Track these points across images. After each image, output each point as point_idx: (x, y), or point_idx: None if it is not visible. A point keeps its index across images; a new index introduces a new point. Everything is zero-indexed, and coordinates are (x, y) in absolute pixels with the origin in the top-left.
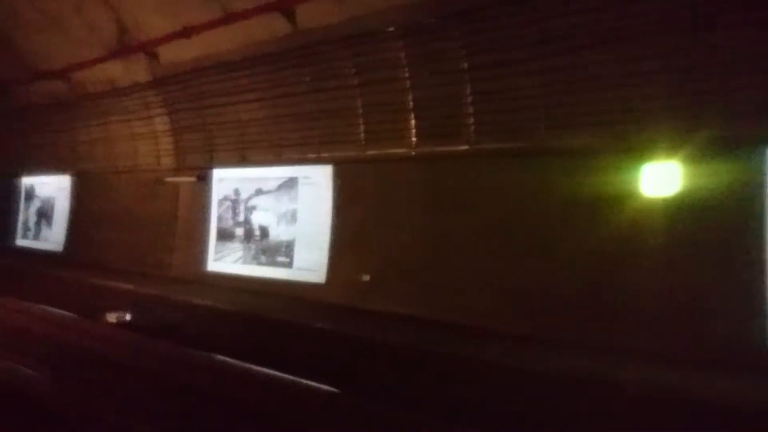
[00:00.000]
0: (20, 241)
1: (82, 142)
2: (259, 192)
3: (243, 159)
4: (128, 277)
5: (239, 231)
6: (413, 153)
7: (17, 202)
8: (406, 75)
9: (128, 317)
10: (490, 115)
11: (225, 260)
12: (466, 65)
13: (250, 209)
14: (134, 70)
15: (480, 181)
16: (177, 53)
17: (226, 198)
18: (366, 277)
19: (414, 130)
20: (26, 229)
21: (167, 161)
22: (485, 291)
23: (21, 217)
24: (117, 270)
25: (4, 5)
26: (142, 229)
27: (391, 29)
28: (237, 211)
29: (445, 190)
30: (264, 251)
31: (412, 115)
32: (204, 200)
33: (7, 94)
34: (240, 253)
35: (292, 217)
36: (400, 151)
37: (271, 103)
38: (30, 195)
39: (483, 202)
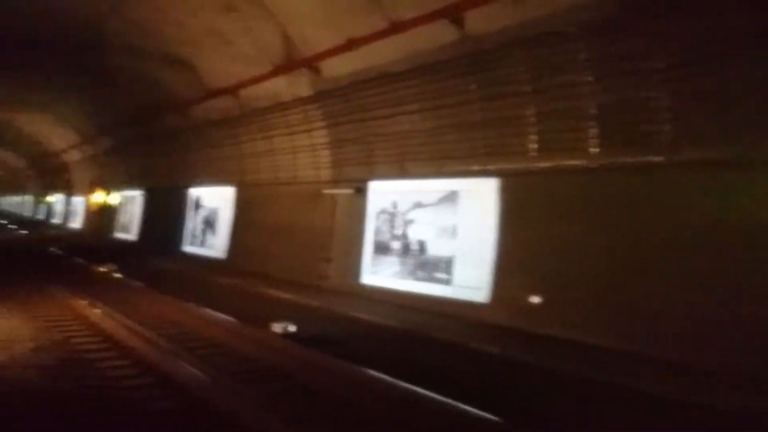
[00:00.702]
0: (188, 248)
1: (246, 155)
2: (417, 205)
3: (402, 171)
4: (289, 287)
5: (396, 245)
6: (593, 164)
7: (186, 212)
8: (588, 79)
9: (293, 329)
10: (694, 118)
11: (381, 274)
12: (662, 65)
13: (407, 223)
14: (297, 85)
15: (676, 195)
16: (338, 67)
17: (383, 211)
18: (536, 299)
19: (595, 140)
20: (193, 236)
21: (325, 173)
22: (683, 321)
23: (189, 225)
24: (276, 279)
25: (185, 31)
26: (300, 239)
27: (572, 29)
28: (394, 224)
29: (630, 205)
30: (422, 266)
31: (594, 123)
32: (361, 213)
33: (185, 112)
34: (396, 268)
35: (452, 232)
36: (577, 162)
37: (433, 114)
38: (197, 205)
39: (678, 220)
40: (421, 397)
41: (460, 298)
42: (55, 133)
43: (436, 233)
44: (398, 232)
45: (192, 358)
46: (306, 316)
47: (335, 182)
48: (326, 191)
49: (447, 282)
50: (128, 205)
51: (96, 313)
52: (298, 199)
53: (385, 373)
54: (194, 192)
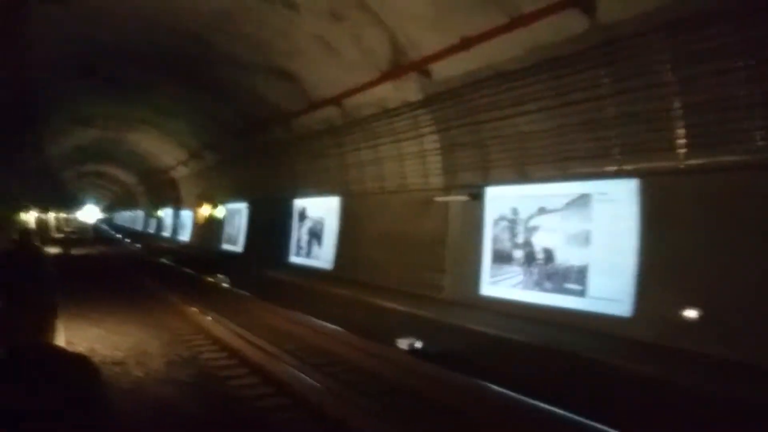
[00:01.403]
0: (293, 258)
1: (351, 164)
2: (542, 211)
3: (522, 175)
4: (400, 297)
5: (518, 253)
6: (755, 160)
7: (291, 223)
8: (747, 64)
9: (419, 344)
10: None
11: (502, 284)
12: None
13: (530, 230)
14: (405, 90)
15: None
16: (450, 68)
17: (502, 217)
18: (692, 313)
19: (759, 132)
20: (299, 247)
21: (436, 180)
22: None
23: (294, 236)
24: (387, 289)
25: (290, 42)
26: (410, 249)
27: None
28: (515, 231)
29: None
30: (549, 276)
31: (756, 113)
32: (477, 220)
33: (288, 124)
34: (519, 278)
35: (584, 239)
36: (736, 158)
37: (558, 113)
38: (302, 216)
39: None
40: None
41: (595, 311)
42: (163, 150)
43: (565, 240)
44: (520, 240)
45: (323, 377)
46: (426, 329)
47: (447, 189)
48: (438, 198)
49: (579, 293)
50: (234, 217)
51: (217, 327)
52: (406, 208)
53: (529, 395)
54: (299, 203)
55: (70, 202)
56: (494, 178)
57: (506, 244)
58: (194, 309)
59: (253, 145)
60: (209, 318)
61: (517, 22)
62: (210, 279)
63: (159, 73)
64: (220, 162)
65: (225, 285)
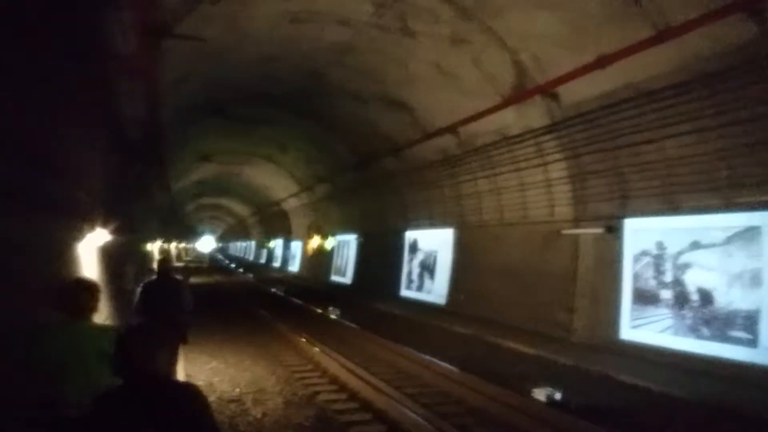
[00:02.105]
0: (404, 292)
1: (467, 195)
2: (695, 246)
3: (671, 205)
4: (524, 337)
5: (666, 294)
6: None
7: (402, 255)
8: None
9: (558, 395)
10: None
11: (646, 328)
12: None
13: (681, 267)
14: (528, 116)
15: None
16: (581, 90)
17: (644, 253)
18: None
19: None
20: (410, 280)
21: (563, 211)
22: None
23: (405, 269)
24: (505, 327)
25: (405, 70)
26: (534, 285)
27: None
28: (662, 269)
29: None
30: (707, 322)
31: None
32: (613, 255)
33: (400, 155)
34: (668, 322)
35: (752, 280)
36: None
37: (716, 134)
38: (413, 248)
39: None
40: None
41: None
42: (275, 183)
43: (727, 280)
44: (668, 278)
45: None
46: (562, 376)
47: (576, 221)
48: (566, 231)
49: (749, 343)
50: (343, 249)
51: (331, 363)
52: (528, 241)
53: None
54: (410, 235)
55: (189, 233)
56: (635, 209)
57: (650, 283)
58: (307, 342)
59: (363, 177)
60: (322, 351)
61: (666, 34)
62: (319, 310)
63: (275, 108)
64: (330, 194)
65: (333, 317)
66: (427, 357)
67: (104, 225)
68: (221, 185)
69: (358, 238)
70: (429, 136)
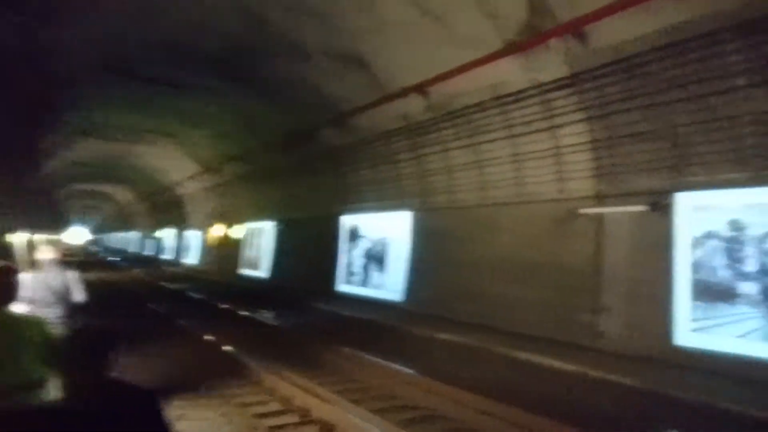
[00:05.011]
0: (343, 287)
1: (434, 170)
2: None
3: (752, 175)
4: (540, 346)
5: (746, 287)
6: None
7: (339, 244)
8: None
9: None
10: None
11: (717, 332)
12: None
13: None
14: (538, 67)
15: None
16: (616, 31)
17: (711, 235)
18: None
19: None
20: (350, 273)
21: (578, 186)
22: None
23: (344, 260)
24: (505, 332)
25: (366, 10)
26: (540, 279)
27: None
28: (739, 255)
29: None
30: None
31: None
32: (660, 239)
33: (347, 125)
34: (753, 323)
35: None
36: None
37: None
38: (354, 235)
39: None
40: None
41: None
42: (170, 165)
43: None
44: (748, 268)
45: None
46: (654, 409)
47: (600, 197)
48: (585, 210)
49: None
50: (255, 238)
51: (303, 395)
52: (529, 224)
53: None
54: (348, 220)
55: (57, 223)
56: (691, 182)
57: (721, 274)
58: (258, 362)
59: (290, 154)
60: (306, 391)
61: None
62: (246, 312)
63: (193, 71)
64: (243, 175)
65: (276, 323)
66: (444, 385)
67: None
68: (104, 168)
69: (277, 225)
70: (388, 98)
